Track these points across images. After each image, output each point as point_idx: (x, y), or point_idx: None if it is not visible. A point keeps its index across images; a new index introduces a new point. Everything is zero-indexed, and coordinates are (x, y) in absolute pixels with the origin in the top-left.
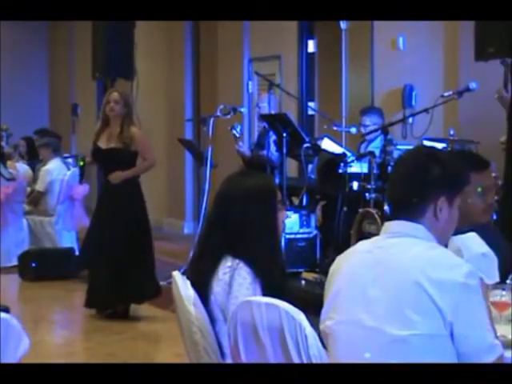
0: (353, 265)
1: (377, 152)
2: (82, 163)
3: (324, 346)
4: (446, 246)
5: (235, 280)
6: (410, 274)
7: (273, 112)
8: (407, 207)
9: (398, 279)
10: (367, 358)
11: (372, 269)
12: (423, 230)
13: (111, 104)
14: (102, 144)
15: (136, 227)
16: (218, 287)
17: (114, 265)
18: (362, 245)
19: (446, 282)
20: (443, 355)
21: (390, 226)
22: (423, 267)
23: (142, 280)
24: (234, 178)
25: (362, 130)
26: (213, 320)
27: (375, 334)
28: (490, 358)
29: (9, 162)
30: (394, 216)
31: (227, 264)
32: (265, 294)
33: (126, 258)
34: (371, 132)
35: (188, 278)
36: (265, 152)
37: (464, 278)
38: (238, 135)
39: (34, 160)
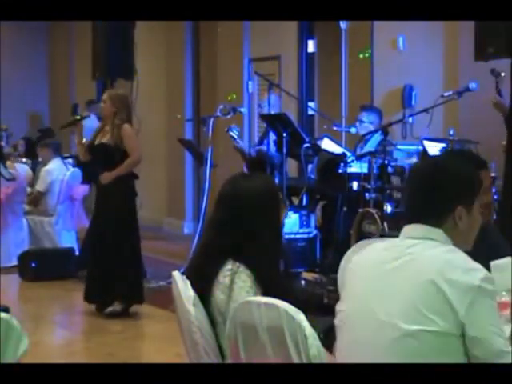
0: (370, 260)
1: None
2: (78, 118)
3: (325, 346)
4: (466, 251)
5: (235, 283)
6: (427, 272)
7: (273, 112)
8: (426, 214)
9: (414, 277)
10: (377, 350)
11: (387, 265)
12: (442, 234)
13: (101, 104)
14: (97, 141)
15: (123, 228)
16: (218, 290)
17: (106, 265)
18: (379, 243)
19: (462, 283)
20: (452, 355)
21: (409, 229)
22: (440, 268)
23: (129, 281)
24: (236, 180)
25: (358, 125)
26: (213, 322)
27: (386, 327)
28: (499, 362)
29: (8, 162)
30: (412, 220)
31: (228, 267)
32: (267, 296)
33: (116, 258)
34: (370, 133)
35: (188, 278)
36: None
37: (480, 282)
38: (236, 137)
39: (34, 160)
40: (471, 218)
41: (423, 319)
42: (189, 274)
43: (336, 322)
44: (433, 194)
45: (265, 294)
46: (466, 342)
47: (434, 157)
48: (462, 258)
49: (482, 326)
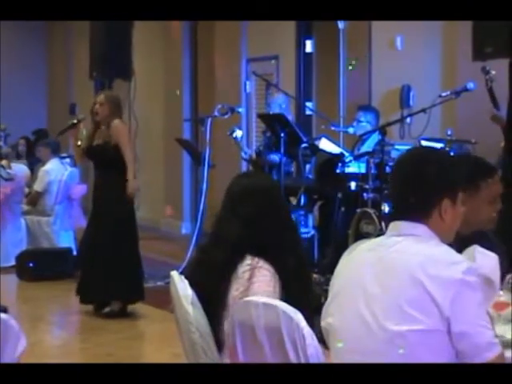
0: (355, 263)
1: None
2: (75, 121)
3: (323, 344)
4: (449, 244)
5: (255, 277)
6: (410, 270)
7: (271, 112)
8: (411, 209)
9: (398, 276)
10: (368, 353)
11: (373, 267)
12: (425, 230)
13: (96, 106)
14: (95, 142)
15: (121, 226)
16: (236, 284)
17: (104, 265)
18: (365, 244)
19: (445, 277)
20: (441, 351)
21: (394, 225)
22: (422, 264)
23: (128, 281)
24: (241, 178)
25: (355, 125)
26: (216, 320)
27: (375, 330)
28: (487, 355)
29: (3, 161)
30: (397, 217)
31: (246, 262)
32: (286, 290)
33: (113, 258)
34: (368, 133)
35: (186, 278)
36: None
37: (462, 275)
38: (238, 140)
39: (32, 159)
40: (456, 211)
41: (409, 318)
42: (188, 274)
43: (322, 324)
44: (419, 187)
45: (284, 287)
46: (451, 337)
47: (417, 149)
48: (443, 252)
49: (468, 320)
